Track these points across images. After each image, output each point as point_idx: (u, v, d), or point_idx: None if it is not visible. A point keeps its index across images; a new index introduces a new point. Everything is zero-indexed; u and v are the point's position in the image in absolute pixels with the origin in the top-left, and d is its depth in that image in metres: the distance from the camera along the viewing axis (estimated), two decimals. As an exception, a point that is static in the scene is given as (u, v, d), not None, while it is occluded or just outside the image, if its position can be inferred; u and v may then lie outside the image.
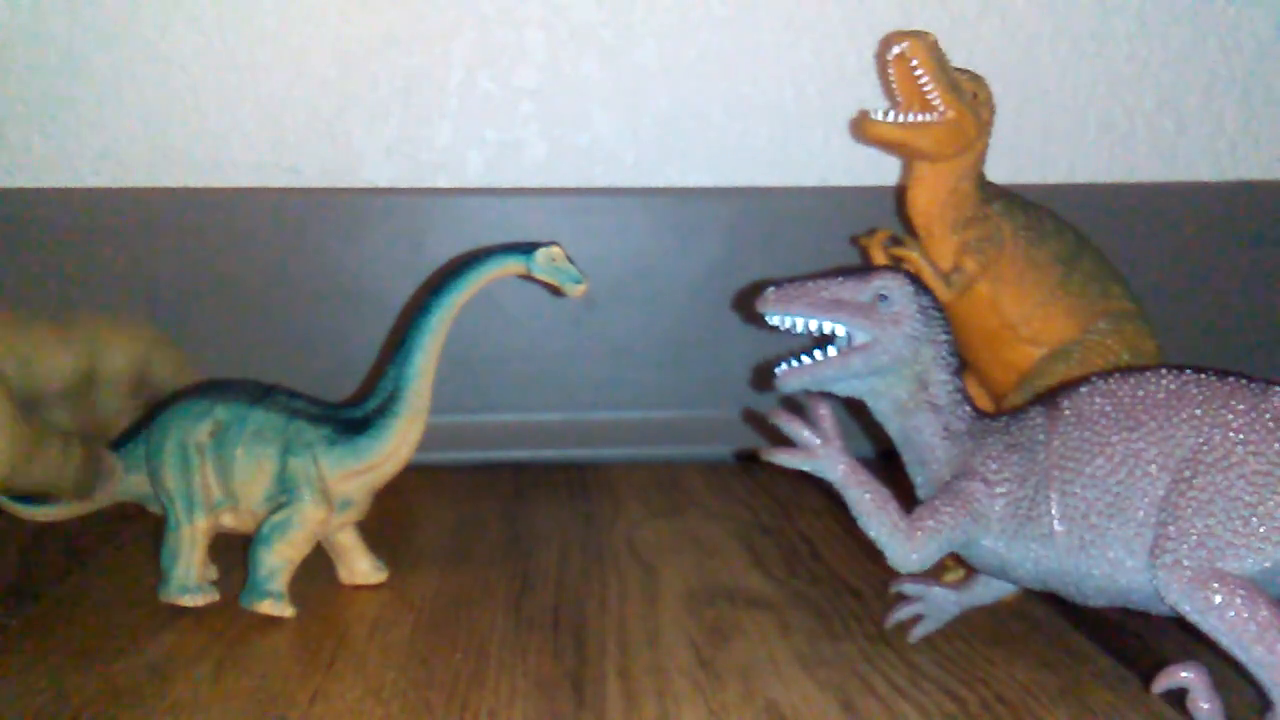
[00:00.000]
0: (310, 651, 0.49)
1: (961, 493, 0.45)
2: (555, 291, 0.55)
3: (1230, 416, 0.41)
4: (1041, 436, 0.45)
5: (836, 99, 0.79)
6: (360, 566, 0.57)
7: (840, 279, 0.46)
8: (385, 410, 0.53)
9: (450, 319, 0.54)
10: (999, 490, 0.45)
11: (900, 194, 0.68)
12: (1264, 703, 0.40)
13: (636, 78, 0.78)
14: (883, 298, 0.46)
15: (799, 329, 0.46)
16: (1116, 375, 0.45)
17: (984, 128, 0.58)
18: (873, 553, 0.46)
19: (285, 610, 0.52)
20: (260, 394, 0.54)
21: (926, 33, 0.57)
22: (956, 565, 0.54)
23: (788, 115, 0.79)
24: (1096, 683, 0.46)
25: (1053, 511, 0.44)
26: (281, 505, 0.52)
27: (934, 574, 0.53)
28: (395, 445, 0.53)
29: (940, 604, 0.51)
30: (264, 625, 0.51)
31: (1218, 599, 0.39)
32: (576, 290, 0.54)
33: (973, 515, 0.45)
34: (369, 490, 0.55)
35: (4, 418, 0.46)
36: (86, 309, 0.73)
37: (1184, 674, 0.41)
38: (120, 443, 0.56)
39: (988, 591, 0.51)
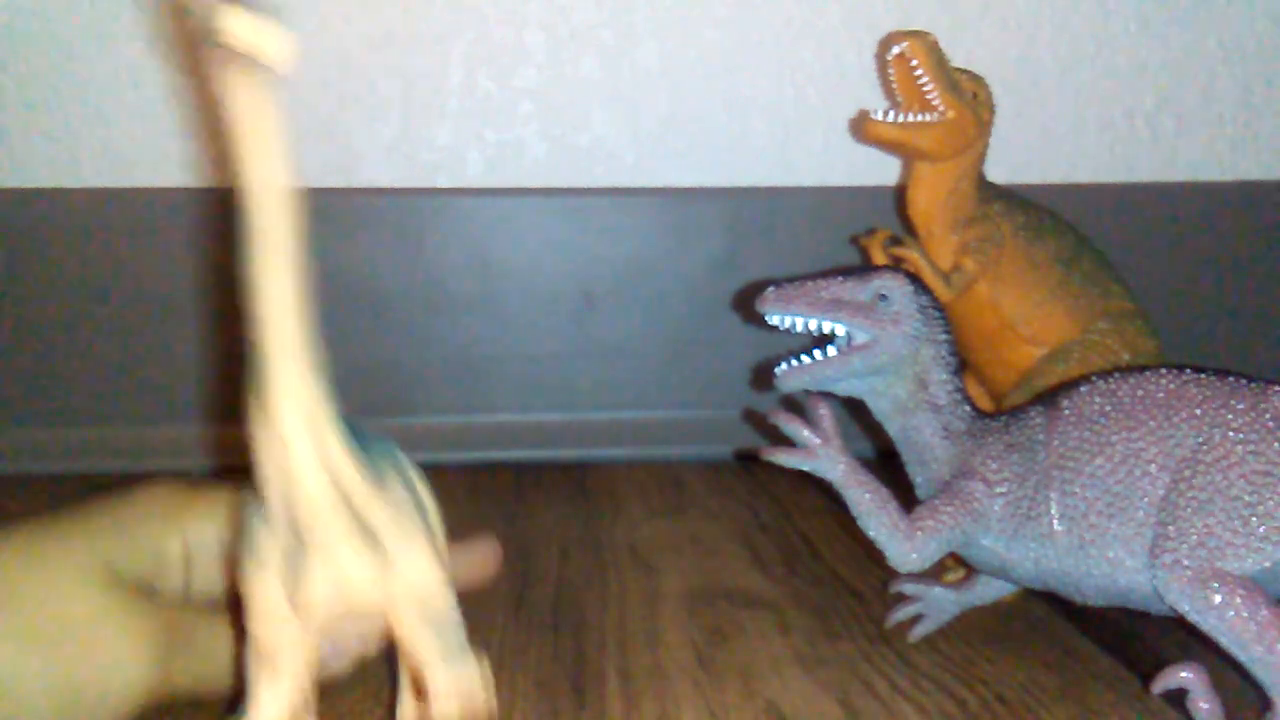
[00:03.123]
0: (310, 651, 0.48)
1: (961, 492, 0.45)
2: None
3: (1230, 416, 0.41)
4: (1041, 436, 0.45)
5: (836, 99, 0.79)
6: None
7: (840, 279, 0.46)
8: None
9: None
10: (999, 490, 0.45)
11: (900, 194, 0.68)
12: (1264, 703, 0.40)
13: (636, 78, 0.78)
14: (883, 297, 0.46)
15: (799, 329, 0.46)
16: (1116, 375, 0.45)
17: (984, 128, 0.58)
18: (873, 553, 0.46)
19: None
20: None
21: (926, 33, 0.57)
22: (956, 565, 0.54)
23: (788, 115, 0.79)
24: (1096, 683, 0.46)
25: (1053, 511, 0.44)
26: None
27: (934, 574, 0.53)
28: None
29: (940, 604, 0.51)
30: (264, 625, 0.51)
31: (1218, 599, 0.39)
32: None
33: (973, 515, 0.45)
34: None
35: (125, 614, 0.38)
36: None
37: (1184, 674, 0.41)
38: None
39: (988, 591, 0.51)
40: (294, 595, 0.31)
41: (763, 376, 0.77)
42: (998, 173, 0.62)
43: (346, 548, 0.31)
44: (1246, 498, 0.40)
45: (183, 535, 0.42)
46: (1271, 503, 0.40)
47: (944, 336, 0.47)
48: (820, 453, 0.45)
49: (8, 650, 0.36)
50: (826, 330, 0.46)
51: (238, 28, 0.24)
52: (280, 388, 0.28)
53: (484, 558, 0.49)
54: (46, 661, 0.36)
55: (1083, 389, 0.45)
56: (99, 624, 0.37)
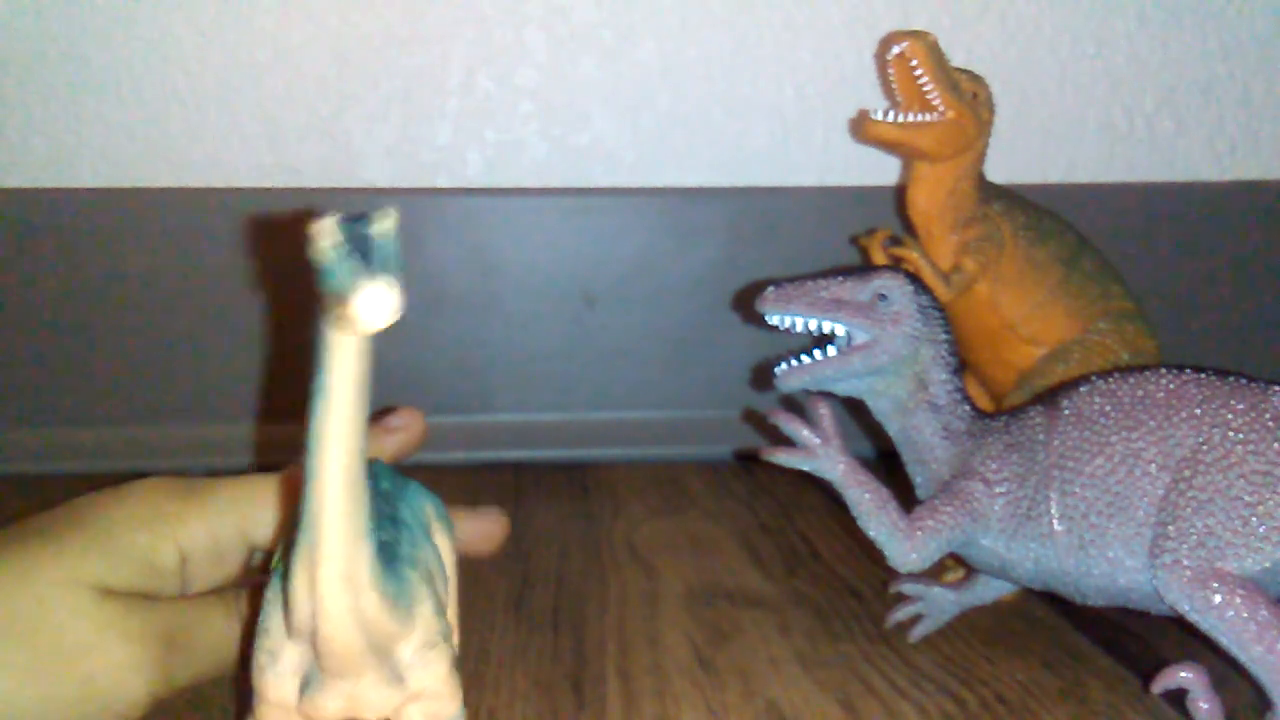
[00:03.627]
0: (310, 651, 0.48)
1: (961, 492, 0.45)
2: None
3: (1230, 416, 0.41)
4: (1041, 436, 0.45)
5: (836, 99, 0.79)
6: None
7: (840, 279, 0.46)
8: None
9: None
10: (999, 490, 0.45)
11: (900, 194, 0.68)
12: (1264, 703, 0.40)
13: (636, 78, 0.78)
14: (882, 297, 0.46)
15: (799, 328, 0.47)
16: (1116, 375, 0.45)
17: (984, 128, 0.58)
18: (873, 553, 0.46)
19: None
20: None
21: (926, 33, 0.57)
22: (956, 565, 0.54)
23: (788, 115, 0.79)
24: (1096, 683, 0.46)
25: (1052, 511, 0.44)
26: None
27: (934, 574, 0.53)
28: None
29: (940, 604, 0.51)
30: (264, 625, 0.51)
31: (1218, 599, 0.39)
32: None
33: (972, 515, 0.45)
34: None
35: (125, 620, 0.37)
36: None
37: (1183, 674, 0.41)
38: None
39: (988, 591, 0.51)
40: (305, 702, 0.32)
41: (763, 376, 0.77)
42: (998, 173, 0.62)
43: (365, 681, 0.32)
44: (1246, 498, 0.40)
45: (176, 543, 0.40)
46: (1271, 503, 0.40)
47: (944, 336, 0.47)
48: (820, 453, 0.45)
49: (4, 682, 0.35)
50: (826, 330, 0.46)
51: (365, 309, 0.25)
52: (325, 549, 0.29)
53: (491, 527, 0.49)
54: (44, 691, 0.36)
55: (1083, 389, 0.45)
56: (95, 646, 0.37)
